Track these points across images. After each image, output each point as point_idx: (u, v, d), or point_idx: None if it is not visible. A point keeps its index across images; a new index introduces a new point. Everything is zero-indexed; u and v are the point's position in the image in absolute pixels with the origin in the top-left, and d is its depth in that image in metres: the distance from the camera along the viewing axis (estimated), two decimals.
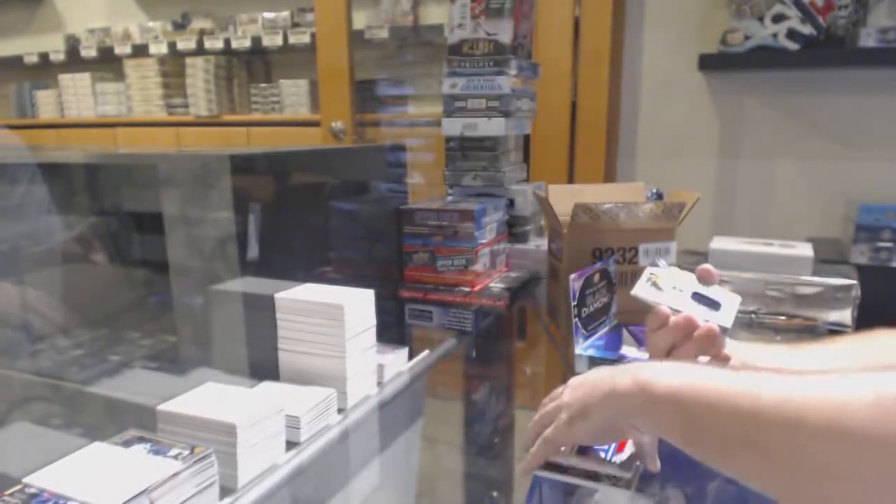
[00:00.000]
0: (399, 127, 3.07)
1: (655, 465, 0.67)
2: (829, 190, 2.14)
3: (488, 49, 1.27)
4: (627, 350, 0.94)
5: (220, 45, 3.30)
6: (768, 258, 1.28)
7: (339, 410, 0.83)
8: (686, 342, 0.71)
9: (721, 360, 0.70)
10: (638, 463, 0.69)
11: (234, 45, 3.26)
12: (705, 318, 0.70)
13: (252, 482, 0.72)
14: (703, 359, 0.70)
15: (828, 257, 1.52)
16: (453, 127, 1.30)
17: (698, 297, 0.74)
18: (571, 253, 1.05)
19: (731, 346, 0.71)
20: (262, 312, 0.89)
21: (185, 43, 3.37)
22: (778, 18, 1.98)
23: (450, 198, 1.32)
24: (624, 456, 0.70)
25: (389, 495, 1.00)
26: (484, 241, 1.17)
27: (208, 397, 0.77)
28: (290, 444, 0.77)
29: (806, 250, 1.29)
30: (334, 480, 0.87)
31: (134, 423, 0.75)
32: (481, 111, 1.28)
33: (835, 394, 0.44)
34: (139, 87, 3.54)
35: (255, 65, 3.48)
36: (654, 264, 0.77)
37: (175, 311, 0.95)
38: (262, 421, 0.73)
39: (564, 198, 1.08)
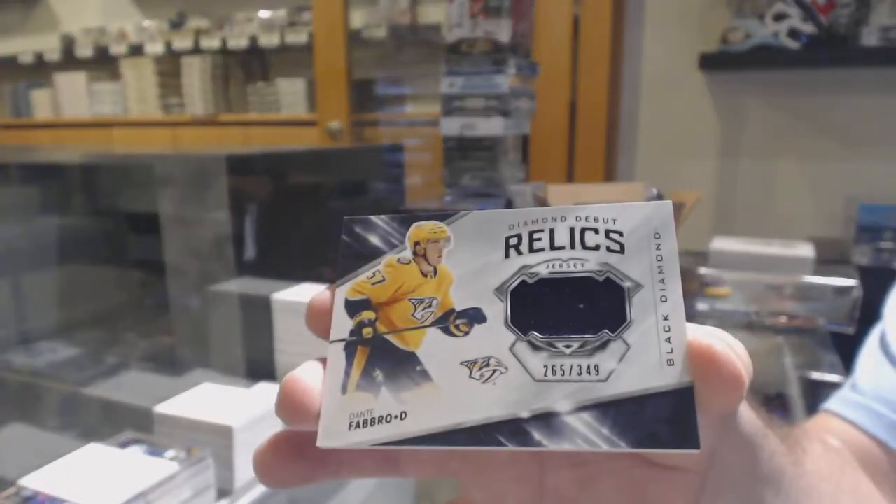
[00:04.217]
0: (397, 127, 3.06)
1: None
2: (830, 190, 2.14)
3: (487, 48, 1.26)
4: None
5: (216, 44, 3.28)
6: (768, 258, 1.27)
7: None
8: None
9: None
10: None
11: (231, 44, 3.25)
12: None
13: (249, 484, 0.72)
14: None
15: (829, 257, 1.52)
16: (452, 126, 1.30)
17: None
18: None
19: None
20: (258, 313, 0.88)
21: (182, 42, 3.35)
22: (779, 17, 1.97)
23: (448, 198, 1.32)
24: None
25: (388, 496, 1.00)
26: None
27: (205, 398, 0.76)
28: None
29: (806, 250, 1.29)
30: (332, 482, 0.86)
31: (130, 424, 0.74)
32: (480, 110, 1.27)
33: None
34: (135, 86, 3.52)
35: (252, 64, 3.47)
36: None
37: (171, 312, 0.94)
38: (258, 422, 0.72)
39: (564, 197, 1.07)
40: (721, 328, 0.21)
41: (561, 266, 0.22)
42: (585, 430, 0.20)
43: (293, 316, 0.85)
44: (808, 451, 0.30)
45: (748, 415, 0.24)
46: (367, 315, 0.23)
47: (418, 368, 0.22)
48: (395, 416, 0.21)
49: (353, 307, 0.23)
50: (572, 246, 0.23)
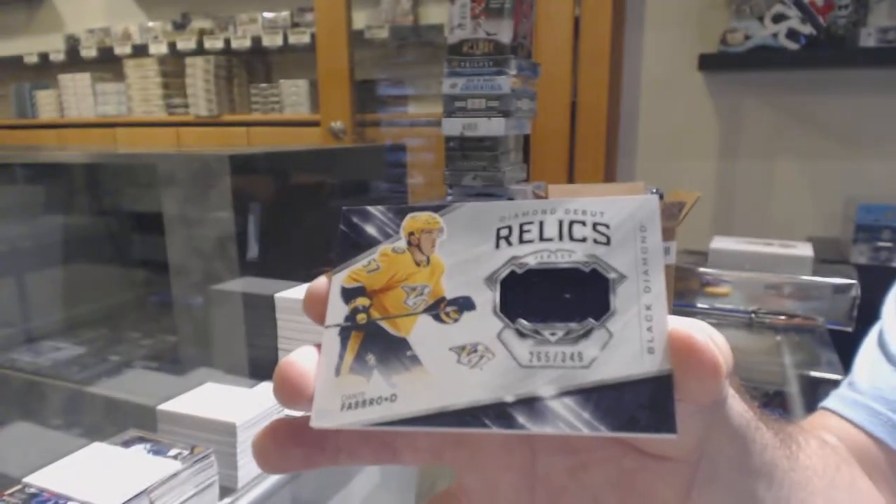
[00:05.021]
0: (399, 127, 3.06)
1: None
2: (828, 190, 2.14)
3: (488, 49, 1.27)
4: None
5: (219, 45, 3.29)
6: (768, 258, 1.28)
7: None
8: None
9: None
10: None
11: (234, 45, 3.26)
12: None
13: (252, 482, 0.72)
14: None
15: (828, 257, 1.52)
16: (453, 127, 1.30)
17: None
18: None
19: None
20: (261, 312, 0.89)
21: (185, 43, 3.36)
22: (778, 18, 1.98)
23: (449, 198, 1.32)
24: None
25: (390, 493, 1.00)
26: None
27: (208, 397, 0.77)
28: None
29: (806, 250, 1.29)
30: (334, 479, 0.87)
31: (134, 423, 0.75)
32: (481, 111, 1.28)
33: None
34: (139, 87, 3.53)
35: (255, 65, 3.48)
36: None
37: (175, 311, 0.95)
38: (262, 420, 0.73)
39: (564, 197, 1.07)
40: (720, 327, 0.22)
41: (549, 257, 0.23)
42: (567, 414, 0.20)
43: (296, 315, 0.86)
44: (802, 447, 0.30)
45: (739, 407, 0.25)
46: (362, 301, 0.24)
47: (409, 353, 0.22)
48: (386, 399, 0.22)
49: (348, 294, 0.24)
50: (560, 238, 0.23)
